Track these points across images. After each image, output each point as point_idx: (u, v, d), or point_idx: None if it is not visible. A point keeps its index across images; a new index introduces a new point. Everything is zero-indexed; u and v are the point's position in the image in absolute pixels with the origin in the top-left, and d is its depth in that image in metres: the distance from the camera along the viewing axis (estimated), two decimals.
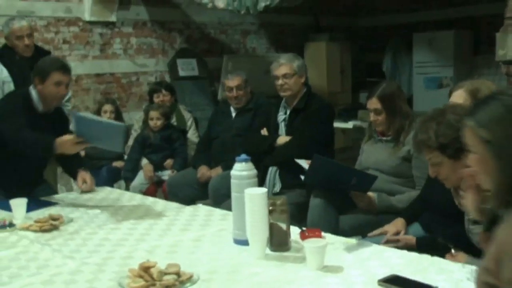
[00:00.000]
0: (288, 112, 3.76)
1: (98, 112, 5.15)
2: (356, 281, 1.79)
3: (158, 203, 2.95)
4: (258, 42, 7.65)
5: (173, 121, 4.87)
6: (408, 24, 7.83)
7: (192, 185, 4.22)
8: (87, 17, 5.91)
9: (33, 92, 3.19)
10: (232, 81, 4.28)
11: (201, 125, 5.30)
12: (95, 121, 3.09)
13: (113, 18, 6.09)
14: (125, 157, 4.78)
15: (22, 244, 2.31)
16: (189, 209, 2.78)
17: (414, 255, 2.01)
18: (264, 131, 3.84)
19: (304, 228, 2.27)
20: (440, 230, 2.38)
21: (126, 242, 2.28)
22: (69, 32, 5.82)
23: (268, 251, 2.08)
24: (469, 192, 1.62)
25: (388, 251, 2.08)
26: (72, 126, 3.21)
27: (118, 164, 4.89)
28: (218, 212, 2.74)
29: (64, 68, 3.18)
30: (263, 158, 3.66)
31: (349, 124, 5.96)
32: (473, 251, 2.07)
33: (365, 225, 2.88)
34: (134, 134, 4.91)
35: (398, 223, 2.63)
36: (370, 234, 2.58)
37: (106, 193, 3.21)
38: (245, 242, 2.13)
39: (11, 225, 2.55)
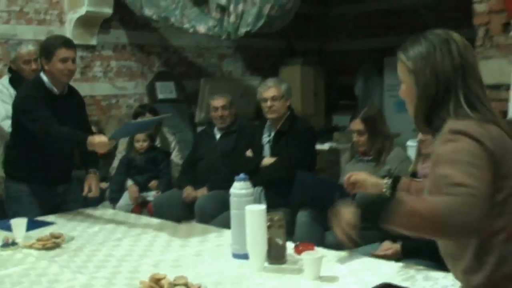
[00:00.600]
0: (272, 134, 3.93)
1: None
2: None
3: (154, 222, 3.08)
4: (234, 65, 7.83)
5: (157, 143, 4.99)
6: (378, 48, 8.12)
7: (177, 206, 4.35)
8: None
9: (43, 77, 3.28)
10: (218, 101, 4.45)
11: (179, 147, 5.43)
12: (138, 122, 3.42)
13: (93, 42, 6.19)
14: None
15: (28, 261, 2.41)
16: (184, 226, 2.92)
17: (402, 265, 2.19)
18: (249, 153, 4.01)
19: (298, 243, 2.43)
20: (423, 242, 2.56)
21: (130, 258, 2.40)
22: None
23: (266, 264, 2.23)
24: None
25: (378, 262, 2.26)
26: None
27: (103, 185, 4.98)
28: (213, 229, 2.89)
29: (68, 44, 3.27)
30: (249, 179, 3.81)
31: (325, 146, 6.16)
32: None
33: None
34: (118, 156, 5.02)
35: (388, 244, 2.77)
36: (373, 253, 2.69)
37: (100, 213, 3.32)
38: (243, 256, 2.28)
39: (13, 243, 2.65)
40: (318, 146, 6.13)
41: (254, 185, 3.95)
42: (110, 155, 5.41)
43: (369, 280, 2.00)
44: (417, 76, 1.66)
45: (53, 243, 2.60)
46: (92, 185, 3.35)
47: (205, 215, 3.96)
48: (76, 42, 5.88)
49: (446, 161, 1.52)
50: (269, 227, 2.23)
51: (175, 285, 1.96)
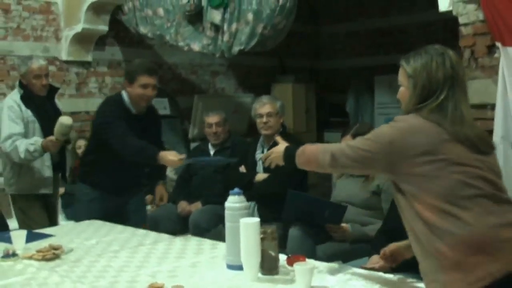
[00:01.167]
0: (265, 151, 4.03)
1: (73, 147, 5.36)
2: None
3: (150, 235, 3.16)
4: (227, 82, 7.96)
5: None
6: (369, 67, 8.28)
7: (172, 219, 4.44)
8: (64, 56, 6.11)
9: (124, 95, 3.46)
10: (213, 118, 4.57)
11: None
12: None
13: (89, 58, 6.30)
14: None
15: (29, 271, 2.48)
16: (180, 239, 3.01)
17: (388, 275, 2.30)
18: (242, 168, 4.11)
19: (290, 255, 2.53)
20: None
21: (128, 269, 2.49)
22: None
23: (259, 274, 2.33)
24: None
25: (367, 274, 2.35)
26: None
27: None
28: (207, 242, 2.97)
29: (150, 71, 3.43)
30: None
31: None
32: None
33: (340, 253, 3.16)
34: None
35: (376, 258, 2.87)
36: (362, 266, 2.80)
37: (97, 227, 3.40)
38: (238, 267, 2.38)
39: (14, 254, 2.72)
40: None
41: (247, 200, 4.05)
42: None
43: None
44: (415, 79, 1.98)
45: (53, 254, 2.68)
46: (163, 195, 3.64)
47: (199, 229, 4.05)
48: (71, 58, 6.11)
49: None
50: (262, 240, 2.33)
51: None
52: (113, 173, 3.51)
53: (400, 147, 1.88)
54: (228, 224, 2.45)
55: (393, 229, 2.84)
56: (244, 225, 2.31)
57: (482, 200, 1.83)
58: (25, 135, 3.94)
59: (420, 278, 2.21)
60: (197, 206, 4.40)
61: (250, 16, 5.13)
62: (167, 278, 2.31)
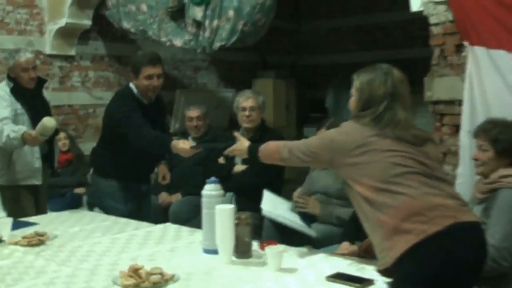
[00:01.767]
0: None
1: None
2: (309, 278, 2.22)
3: (131, 223, 3.30)
4: (208, 77, 8.06)
5: None
6: (349, 63, 8.41)
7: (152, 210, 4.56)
8: (47, 50, 6.17)
9: (133, 87, 3.60)
10: (193, 112, 4.71)
11: None
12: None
13: (72, 52, 6.37)
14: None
15: (16, 256, 2.61)
16: (159, 227, 3.15)
17: (355, 258, 2.47)
18: (221, 160, 4.25)
19: (262, 240, 2.68)
20: None
21: (110, 253, 2.63)
22: None
23: (233, 258, 2.48)
24: None
25: (335, 257, 2.52)
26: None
27: (80, 190, 5.18)
28: (185, 229, 3.12)
29: (153, 61, 3.54)
30: (221, 184, 4.05)
31: None
32: None
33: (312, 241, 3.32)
34: None
35: (346, 245, 3.04)
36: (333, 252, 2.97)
37: (80, 215, 3.53)
38: (213, 252, 2.53)
39: (0, 241, 2.85)
40: None
41: (226, 190, 4.23)
42: (83, 161, 5.63)
43: (325, 271, 2.26)
44: (360, 93, 2.29)
45: (38, 240, 2.81)
46: (166, 174, 3.84)
47: (179, 219, 4.18)
48: (55, 52, 6.20)
49: None
50: (236, 225, 2.48)
51: (152, 274, 2.19)
52: (132, 162, 3.63)
53: (338, 144, 2.24)
54: (204, 210, 2.60)
55: None
56: (220, 211, 2.46)
57: (413, 175, 2.11)
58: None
59: None
60: (177, 197, 4.53)
61: (231, 13, 5.26)
62: (146, 261, 2.44)
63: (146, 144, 3.42)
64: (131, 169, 3.66)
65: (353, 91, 2.35)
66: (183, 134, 5.00)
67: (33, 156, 4.11)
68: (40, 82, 4.31)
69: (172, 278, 2.20)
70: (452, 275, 2.01)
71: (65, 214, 3.58)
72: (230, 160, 4.22)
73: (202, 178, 4.26)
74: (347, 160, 2.20)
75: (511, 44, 3.54)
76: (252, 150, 2.69)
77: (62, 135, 5.45)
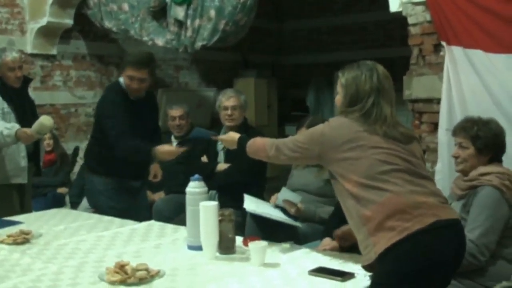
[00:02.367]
0: None
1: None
2: (291, 272, 2.28)
3: (115, 221, 3.32)
4: (190, 77, 8.10)
5: None
6: (330, 62, 8.51)
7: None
8: (29, 49, 6.15)
9: (121, 81, 3.61)
10: (176, 111, 4.74)
11: None
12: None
13: (53, 51, 6.36)
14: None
15: (1, 254, 2.62)
16: (143, 224, 3.19)
17: (337, 253, 2.53)
18: (204, 159, 4.29)
19: (246, 236, 2.73)
20: None
21: (96, 250, 2.66)
22: None
23: (217, 254, 2.53)
24: None
25: (317, 252, 2.58)
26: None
27: (62, 190, 5.19)
28: (169, 226, 3.16)
29: (137, 64, 3.50)
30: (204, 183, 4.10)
31: None
32: None
33: (295, 238, 3.37)
34: (79, 161, 5.24)
35: (327, 241, 3.11)
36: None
37: (64, 214, 3.55)
38: (198, 248, 2.58)
39: None
40: None
41: (209, 189, 4.26)
42: (67, 161, 5.63)
43: (307, 266, 2.32)
44: (346, 89, 2.31)
45: (23, 239, 2.82)
46: (158, 173, 3.82)
47: (162, 217, 4.20)
48: (36, 51, 6.19)
49: None
50: (220, 221, 2.53)
51: (138, 270, 2.23)
52: (118, 161, 3.62)
53: (328, 138, 2.25)
54: (189, 208, 2.64)
55: (344, 215, 3.09)
56: (204, 208, 2.50)
57: (398, 173, 2.15)
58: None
59: None
60: (160, 195, 4.56)
61: (212, 13, 5.31)
62: (132, 258, 2.47)
63: (124, 155, 3.44)
64: (122, 165, 3.65)
65: (339, 88, 2.36)
66: (165, 133, 5.03)
67: (19, 155, 4.11)
68: (26, 81, 4.32)
69: (157, 274, 2.24)
70: (433, 271, 2.07)
71: (50, 212, 3.59)
72: (213, 159, 4.26)
73: (185, 177, 4.36)
74: (336, 155, 2.22)
75: (487, 44, 3.64)
76: (242, 142, 2.70)
77: (47, 135, 5.44)
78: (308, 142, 2.33)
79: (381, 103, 2.25)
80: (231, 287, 2.15)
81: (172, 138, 4.82)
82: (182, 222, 3.48)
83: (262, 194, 4.03)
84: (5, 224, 3.23)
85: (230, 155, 4.18)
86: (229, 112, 4.16)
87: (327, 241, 3.05)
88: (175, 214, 4.31)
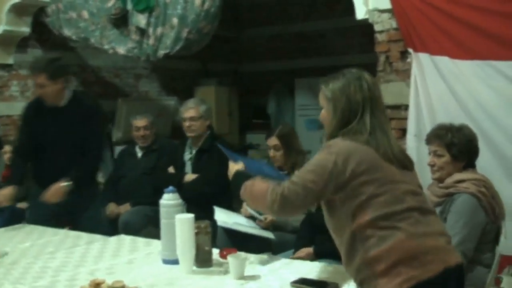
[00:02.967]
0: (194, 152, 4.16)
1: None
2: (273, 284, 2.23)
3: (83, 236, 3.21)
4: (150, 85, 7.98)
5: None
6: (290, 70, 8.53)
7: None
8: None
9: None
10: (140, 121, 4.65)
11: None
12: None
13: (10, 61, 6.16)
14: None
15: None
16: (113, 239, 3.09)
17: (316, 263, 2.49)
18: (171, 169, 4.21)
19: (222, 248, 2.67)
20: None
21: (66, 268, 2.55)
22: None
23: (194, 267, 2.46)
24: None
25: (296, 262, 2.54)
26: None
27: (21, 205, 5.00)
28: (140, 239, 3.07)
29: (32, 70, 3.48)
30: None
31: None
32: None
33: (268, 248, 3.33)
34: None
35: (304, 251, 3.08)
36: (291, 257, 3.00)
37: (29, 230, 3.41)
38: (173, 262, 2.50)
39: None
40: None
41: None
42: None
43: (288, 277, 2.28)
44: (335, 103, 2.06)
45: None
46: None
47: (129, 230, 4.10)
48: None
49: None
50: (197, 234, 2.46)
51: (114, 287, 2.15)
52: (43, 168, 3.55)
53: (342, 170, 1.93)
54: (163, 220, 2.57)
55: (317, 225, 3.06)
56: (180, 220, 2.43)
57: (411, 213, 1.96)
58: None
59: (341, 263, 2.42)
60: (126, 208, 4.46)
61: (175, 21, 5.23)
62: (105, 275, 2.39)
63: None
64: (45, 174, 3.58)
65: (323, 102, 2.11)
66: (128, 143, 4.93)
67: None
68: None
69: None
70: None
71: (13, 229, 3.45)
72: (181, 169, 4.19)
73: (151, 188, 4.29)
74: (351, 190, 1.94)
75: (453, 50, 3.69)
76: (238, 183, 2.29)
77: (7, 148, 5.26)
78: (320, 181, 1.95)
79: (377, 115, 2.03)
80: None
81: (137, 148, 4.72)
82: (150, 234, 3.41)
83: (231, 204, 3.98)
84: None
85: (198, 165, 4.13)
86: (187, 123, 4.14)
87: (302, 250, 3.05)
88: (143, 226, 4.23)
